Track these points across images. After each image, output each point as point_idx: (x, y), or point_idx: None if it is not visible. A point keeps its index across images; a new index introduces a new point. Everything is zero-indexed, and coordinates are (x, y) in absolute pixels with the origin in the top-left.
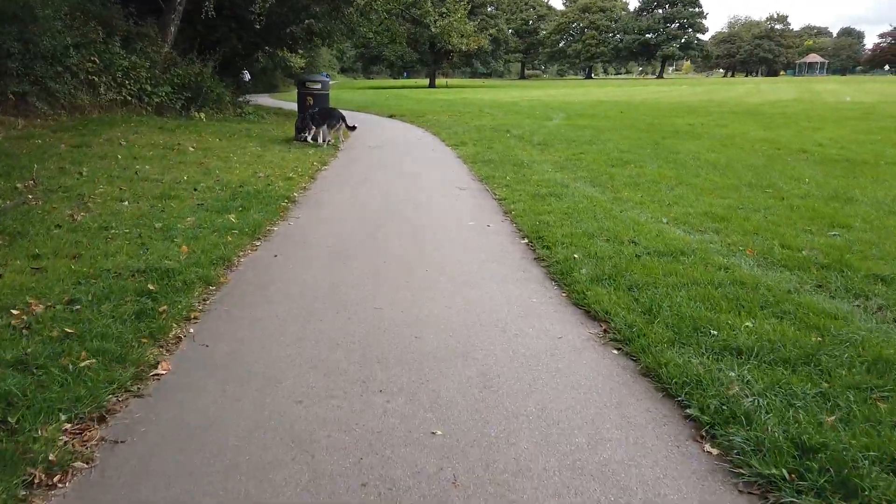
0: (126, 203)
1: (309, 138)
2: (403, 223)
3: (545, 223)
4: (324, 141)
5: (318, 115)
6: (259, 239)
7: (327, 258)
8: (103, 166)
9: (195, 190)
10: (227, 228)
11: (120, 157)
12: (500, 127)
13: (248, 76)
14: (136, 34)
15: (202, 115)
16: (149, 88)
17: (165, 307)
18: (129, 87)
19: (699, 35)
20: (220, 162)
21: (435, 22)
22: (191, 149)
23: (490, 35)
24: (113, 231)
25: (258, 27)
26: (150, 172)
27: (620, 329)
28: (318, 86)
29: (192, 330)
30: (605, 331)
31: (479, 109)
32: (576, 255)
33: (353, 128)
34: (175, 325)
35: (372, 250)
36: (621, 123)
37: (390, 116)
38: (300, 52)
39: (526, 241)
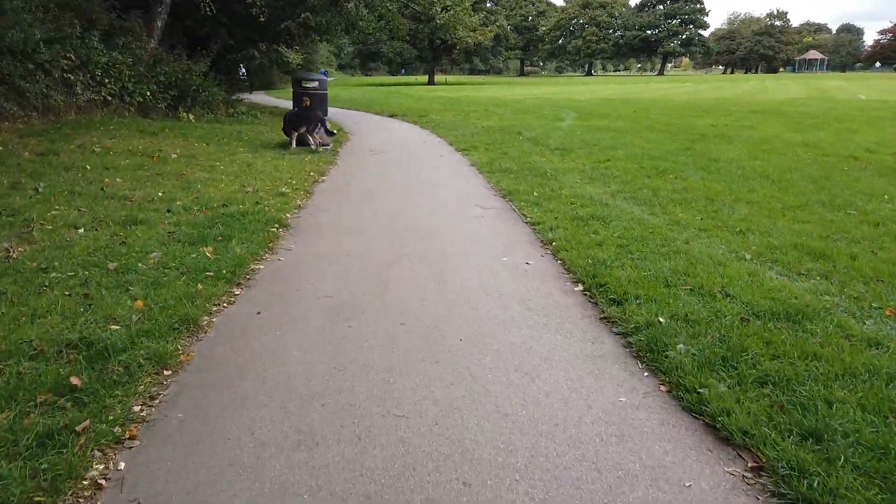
0: (81, 230)
1: (293, 145)
2: (419, 260)
3: (600, 261)
4: (315, 145)
5: (295, 119)
6: (239, 285)
7: (325, 319)
8: (66, 179)
9: (169, 211)
10: (199, 270)
11: (89, 167)
12: (510, 128)
13: (243, 73)
14: (118, 29)
15: (191, 115)
16: (131, 87)
17: (88, 422)
18: (109, 85)
19: (700, 31)
20: (204, 173)
21: (439, 13)
22: (173, 156)
23: (490, 31)
24: (53, 275)
25: (262, 20)
26: (119, 187)
27: (784, 474)
28: (316, 84)
29: (122, 465)
30: (754, 470)
31: (483, 108)
32: (661, 319)
33: (332, 133)
34: (98, 455)
35: (383, 304)
36: (639, 124)
37: (391, 116)
38: (296, 47)
39: (581, 288)
